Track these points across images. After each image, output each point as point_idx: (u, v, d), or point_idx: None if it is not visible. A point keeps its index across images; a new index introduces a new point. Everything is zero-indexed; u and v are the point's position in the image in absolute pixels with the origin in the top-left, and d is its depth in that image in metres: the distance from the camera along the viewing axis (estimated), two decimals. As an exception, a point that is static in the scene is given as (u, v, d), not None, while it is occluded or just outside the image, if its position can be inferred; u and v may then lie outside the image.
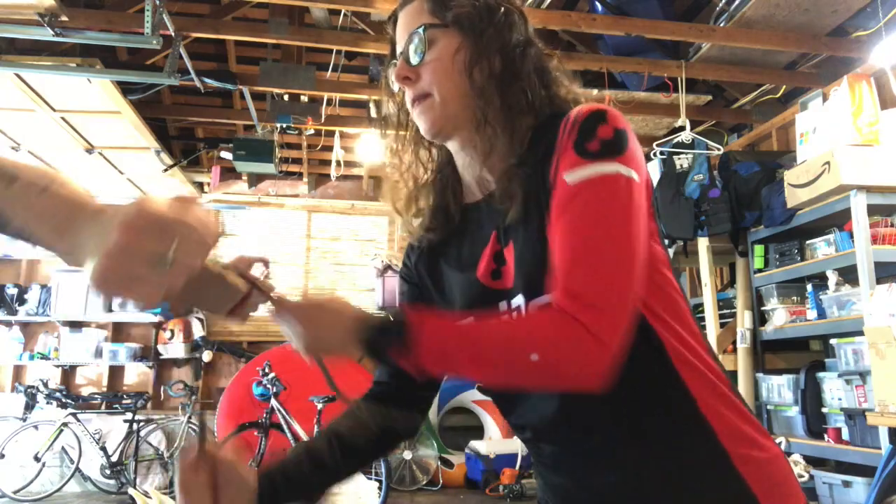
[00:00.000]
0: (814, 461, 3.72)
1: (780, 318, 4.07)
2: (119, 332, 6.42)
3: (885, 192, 3.46)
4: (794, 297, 4.13)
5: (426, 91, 0.92)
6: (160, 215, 0.58)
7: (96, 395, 5.94)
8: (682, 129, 4.54)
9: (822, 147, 3.68)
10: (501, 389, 0.95)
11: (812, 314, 3.87)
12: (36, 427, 5.50)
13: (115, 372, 6.35)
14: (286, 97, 5.16)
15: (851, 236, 3.54)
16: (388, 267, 6.53)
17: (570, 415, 0.87)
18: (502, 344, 0.77)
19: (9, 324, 6.17)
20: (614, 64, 4.48)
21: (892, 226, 3.54)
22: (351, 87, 4.94)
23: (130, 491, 4.09)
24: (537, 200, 0.86)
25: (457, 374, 0.80)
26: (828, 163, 3.51)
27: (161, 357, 6.27)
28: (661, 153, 4.53)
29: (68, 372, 6.28)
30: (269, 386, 5.16)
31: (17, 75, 3.75)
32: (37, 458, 5.34)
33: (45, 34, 3.47)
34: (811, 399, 3.77)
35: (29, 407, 5.74)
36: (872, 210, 3.46)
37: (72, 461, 5.51)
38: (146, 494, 3.51)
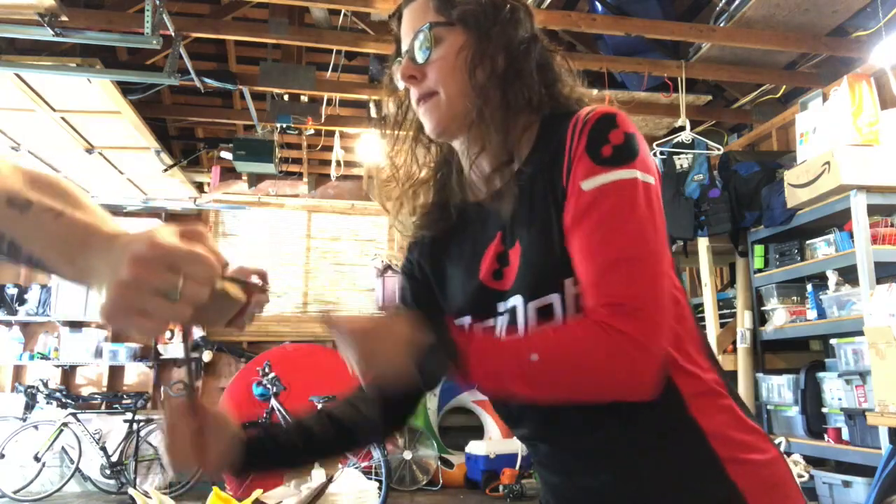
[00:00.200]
0: (814, 461, 3.72)
1: (780, 318, 4.07)
2: (119, 332, 6.42)
3: (885, 192, 3.46)
4: (794, 297, 4.13)
5: (432, 90, 0.92)
6: (169, 250, 0.60)
7: (96, 395, 5.94)
8: (682, 129, 4.54)
9: (822, 147, 3.68)
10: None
11: (812, 314, 3.87)
12: (36, 427, 5.50)
13: (115, 372, 6.36)
14: (286, 97, 5.17)
15: (851, 236, 3.54)
16: (388, 267, 6.53)
17: (561, 415, 0.87)
18: (556, 363, 0.77)
19: (9, 324, 6.17)
20: (614, 64, 4.48)
21: (892, 226, 3.54)
22: (351, 87, 4.94)
23: (130, 491, 4.08)
24: (544, 203, 0.85)
25: (506, 392, 0.80)
26: (828, 163, 3.51)
27: (161, 357, 6.27)
28: (661, 153, 4.53)
29: (68, 372, 6.28)
30: (269, 386, 5.16)
31: (17, 75, 3.75)
32: (37, 458, 5.35)
33: (45, 34, 3.47)
34: (811, 399, 3.77)
35: (29, 407, 5.74)
36: (872, 210, 3.46)
37: (72, 461, 5.51)
38: (146, 494, 3.51)
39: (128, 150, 5.11)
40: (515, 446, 5.67)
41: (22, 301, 6.18)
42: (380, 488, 4.67)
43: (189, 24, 4.11)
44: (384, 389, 0.95)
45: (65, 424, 5.43)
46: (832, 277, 3.67)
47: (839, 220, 3.70)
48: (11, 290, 6.17)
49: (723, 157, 4.60)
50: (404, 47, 0.94)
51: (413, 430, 5.96)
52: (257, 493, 3.54)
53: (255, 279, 0.81)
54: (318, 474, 3.71)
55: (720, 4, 4.00)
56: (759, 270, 4.32)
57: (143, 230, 0.61)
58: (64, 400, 5.58)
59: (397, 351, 0.79)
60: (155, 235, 0.60)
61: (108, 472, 5.47)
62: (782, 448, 3.63)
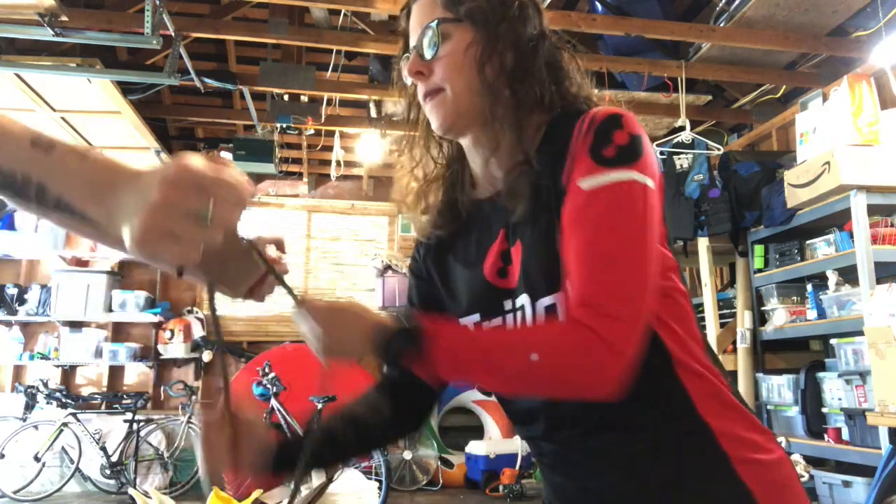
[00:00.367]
0: (814, 461, 3.72)
1: (780, 318, 4.07)
2: (119, 332, 6.42)
3: (885, 192, 3.46)
4: (794, 297, 4.13)
5: (439, 86, 0.91)
6: (198, 174, 0.60)
7: (96, 395, 5.94)
8: (682, 129, 4.54)
9: (822, 147, 3.68)
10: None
11: (812, 314, 3.87)
12: (36, 427, 5.50)
13: (115, 372, 6.35)
14: (286, 97, 5.17)
15: (851, 236, 3.54)
16: (388, 267, 6.53)
17: (568, 415, 0.87)
18: (516, 353, 0.77)
19: (9, 324, 6.17)
20: (614, 64, 4.48)
21: (892, 226, 3.54)
22: (351, 87, 4.94)
23: (130, 491, 4.09)
24: (547, 201, 0.85)
25: (470, 382, 0.81)
26: (828, 163, 3.51)
27: (161, 357, 6.27)
28: (661, 153, 4.53)
29: (68, 372, 6.27)
30: (269, 386, 5.16)
31: (17, 75, 3.75)
32: (37, 458, 5.34)
33: (45, 34, 3.47)
34: (811, 399, 3.77)
35: (29, 407, 5.74)
36: (872, 210, 3.46)
37: (72, 461, 5.51)
38: (146, 494, 3.50)
39: (128, 150, 5.11)
40: (515, 446, 5.67)
41: (22, 301, 6.18)
42: (380, 488, 4.67)
43: (189, 24, 4.11)
44: (403, 382, 0.98)
45: (65, 424, 5.43)
46: (832, 277, 3.67)
47: (839, 220, 3.70)
48: (11, 290, 6.17)
49: (723, 157, 4.60)
50: (412, 43, 0.94)
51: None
52: (257, 493, 3.54)
53: (272, 250, 0.82)
54: (318, 474, 3.71)
55: (720, 4, 4.00)
56: (759, 270, 4.32)
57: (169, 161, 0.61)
58: (64, 400, 5.58)
59: (359, 330, 0.81)
60: (183, 162, 0.60)
61: (108, 472, 5.47)
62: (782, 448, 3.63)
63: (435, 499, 5.63)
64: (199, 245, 0.60)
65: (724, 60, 4.41)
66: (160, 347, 6.25)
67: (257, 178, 6.88)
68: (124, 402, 5.70)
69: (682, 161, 4.52)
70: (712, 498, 0.81)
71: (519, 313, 0.88)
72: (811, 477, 3.58)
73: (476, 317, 0.94)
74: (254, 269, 0.76)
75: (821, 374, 3.74)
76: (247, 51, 5.31)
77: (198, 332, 6.32)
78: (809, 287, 3.93)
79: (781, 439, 3.83)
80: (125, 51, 4.95)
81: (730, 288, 5.00)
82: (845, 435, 3.49)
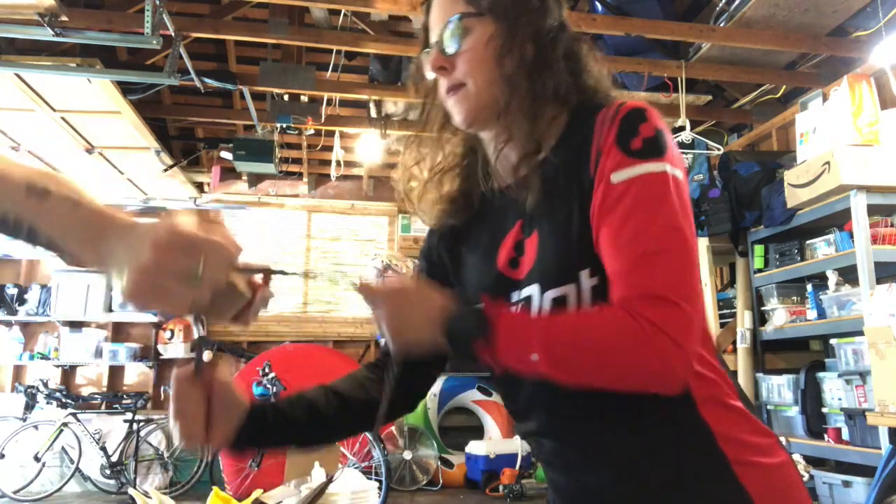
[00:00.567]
0: (814, 461, 3.72)
1: (780, 318, 4.07)
2: (119, 332, 6.42)
3: (885, 192, 3.46)
4: (794, 297, 4.13)
5: (461, 81, 0.92)
6: (189, 235, 0.62)
7: (96, 395, 5.94)
8: (682, 129, 4.53)
9: (822, 147, 3.68)
10: (506, 379, 0.93)
11: (812, 314, 3.87)
12: (36, 427, 5.50)
13: (115, 372, 6.35)
14: (286, 97, 5.16)
15: (851, 236, 3.54)
16: (388, 267, 6.53)
17: (569, 411, 0.87)
18: (581, 345, 0.77)
19: (9, 324, 6.17)
20: (614, 64, 4.47)
21: (892, 226, 3.54)
22: (351, 87, 4.94)
23: (130, 491, 4.08)
24: (566, 194, 0.85)
25: (532, 370, 0.78)
26: (828, 163, 3.51)
27: (161, 357, 6.27)
28: (661, 153, 4.52)
29: (68, 372, 6.28)
30: (269, 386, 5.15)
31: (17, 75, 3.75)
32: (37, 458, 5.34)
33: (45, 34, 3.47)
34: (811, 399, 3.77)
35: (29, 407, 5.74)
36: (872, 210, 3.46)
37: (72, 461, 5.51)
38: (146, 494, 3.50)
39: (128, 150, 5.11)
40: (515, 446, 5.67)
41: (22, 301, 6.18)
42: (380, 488, 4.66)
43: (189, 24, 4.10)
44: (409, 358, 0.95)
45: (65, 424, 5.43)
46: (832, 277, 3.67)
47: (839, 220, 3.70)
48: (11, 290, 6.17)
49: (723, 157, 4.60)
50: (433, 38, 0.94)
51: (413, 430, 5.97)
52: (257, 493, 3.54)
53: (258, 278, 0.82)
54: (318, 474, 3.71)
55: (720, 4, 4.00)
56: (759, 270, 4.32)
57: (161, 219, 0.64)
58: (64, 400, 5.58)
59: (428, 316, 0.80)
60: (174, 221, 0.62)
61: (108, 472, 5.47)
62: (782, 448, 3.63)
63: (435, 499, 5.63)
64: (189, 302, 0.63)
65: (724, 60, 4.41)
66: (160, 347, 6.25)
67: (257, 178, 6.88)
68: (124, 402, 5.70)
69: (682, 161, 4.52)
70: (709, 498, 0.81)
71: (522, 304, 0.88)
72: (811, 477, 3.58)
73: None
74: (237, 300, 0.76)
75: (821, 374, 3.74)
76: (247, 51, 5.30)
77: (198, 331, 6.31)
78: (809, 287, 3.93)
79: (781, 439, 3.83)
80: (125, 51, 4.95)
81: (730, 288, 5.00)
82: (845, 435, 3.49)
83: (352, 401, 0.99)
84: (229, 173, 6.59)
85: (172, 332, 6.20)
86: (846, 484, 3.38)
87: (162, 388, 6.25)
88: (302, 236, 7.00)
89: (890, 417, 2.96)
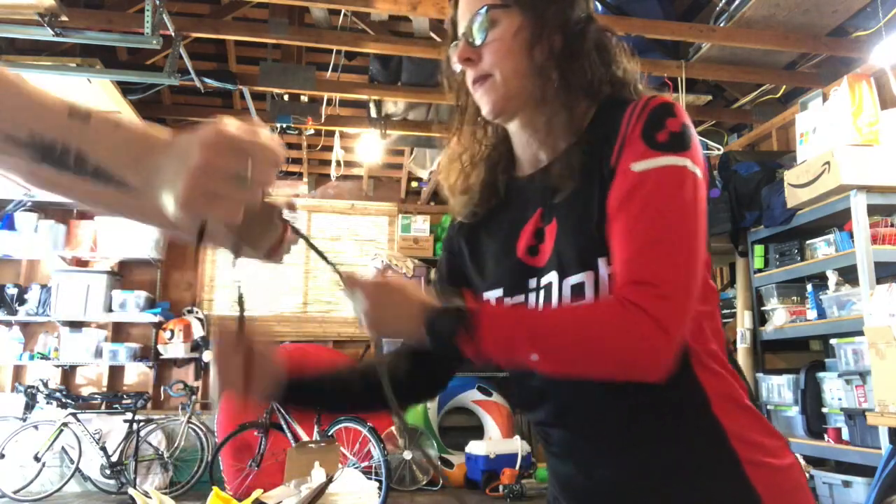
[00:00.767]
0: (814, 461, 3.72)
1: (780, 318, 4.07)
2: (119, 332, 6.42)
3: (885, 192, 3.46)
4: (794, 297, 4.13)
5: (487, 72, 0.92)
6: (235, 136, 0.62)
7: (96, 395, 5.94)
8: (682, 129, 4.53)
9: (822, 147, 3.68)
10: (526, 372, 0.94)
11: (812, 314, 3.87)
12: (36, 427, 5.50)
13: (115, 372, 6.35)
14: (286, 97, 5.17)
15: (851, 236, 3.54)
16: (388, 267, 6.53)
17: (580, 400, 0.87)
18: (566, 332, 0.77)
19: (9, 324, 6.16)
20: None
21: (892, 226, 3.54)
22: (351, 87, 4.94)
23: (130, 491, 4.08)
24: (588, 182, 0.86)
25: (518, 361, 0.79)
26: (828, 163, 3.51)
27: (161, 357, 6.27)
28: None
29: (68, 372, 6.27)
30: (269, 386, 5.15)
31: (18, 75, 3.75)
32: (37, 458, 5.34)
33: (45, 34, 3.48)
34: (811, 399, 3.77)
35: (29, 407, 5.73)
36: (872, 210, 3.46)
37: (72, 461, 5.51)
38: (146, 494, 3.50)
39: (128, 150, 5.10)
40: (515, 446, 5.67)
41: (22, 301, 6.17)
42: (380, 488, 4.66)
43: (189, 24, 4.11)
44: (417, 353, 0.99)
45: (65, 424, 5.43)
46: (832, 277, 3.67)
47: (839, 220, 3.70)
48: (11, 290, 6.17)
49: (723, 157, 4.60)
50: (460, 30, 0.95)
51: (413, 430, 5.97)
52: (257, 492, 3.54)
53: (286, 212, 0.83)
54: (318, 474, 3.71)
55: (720, 4, 4.00)
56: (759, 270, 4.32)
57: (205, 125, 0.63)
58: (64, 400, 5.58)
59: (409, 310, 0.81)
60: (219, 125, 0.62)
61: (108, 472, 5.47)
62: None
63: (435, 499, 5.63)
64: (241, 205, 0.63)
65: (724, 60, 4.41)
66: (160, 347, 6.25)
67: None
68: (124, 402, 5.70)
69: (682, 161, 4.51)
70: (718, 494, 0.82)
71: (542, 292, 0.89)
72: (811, 477, 3.58)
73: (499, 291, 0.95)
74: (273, 230, 0.79)
75: (821, 374, 3.74)
76: (247, 51, 5.30)
77: (198, 332, 6.31)
78: (809, 287, 3.93)
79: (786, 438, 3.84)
80: (125, 51, 4.95)
81: (730, 288, 5.00)
82: (845, 435, 3.49)
83: (371, 385, 1.01)
84: (229, 173, 6.59)
85: (172, 332, 6.19)
86: (846, 484, 3.38)
87: (162, 388, 6.25)
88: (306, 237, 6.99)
89: (890, 417, 2.95)
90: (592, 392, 0.84)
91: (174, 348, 6.20)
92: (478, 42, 0.92)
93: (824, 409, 3.71)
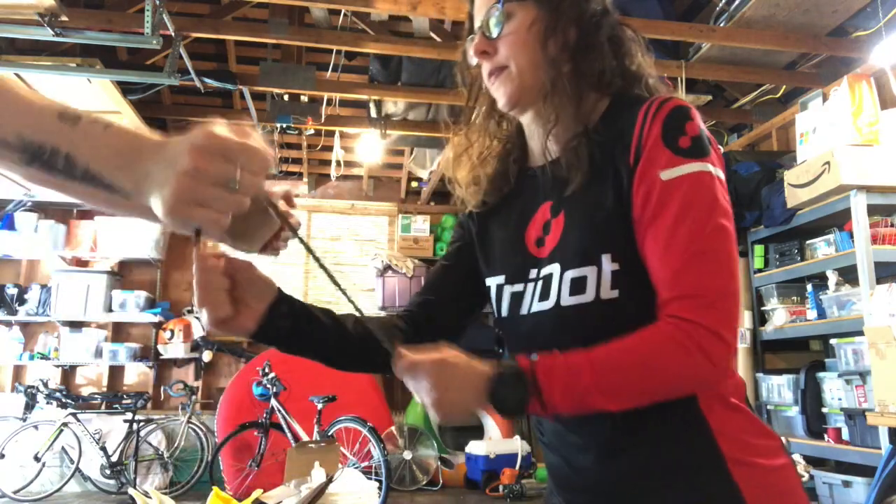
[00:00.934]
0: (814, 461, 3.72)
1: (780, 318, 4.07)
2: (119, 332, 6.42)
3: (885, 192, 3.46)
4: (794, 297, 4.13)
5: (503, 64, 0.93)
6: (225, 141, 0.61)
7: (96, 395, 5.94)
8: (682, 129, 4.53)
9: (822, 147, 3.68)
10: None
11: (812, 314, 3.87)
12: (36, 427, 5.49)
13: (115, 372, 6.35)
14: (286, 97, 5.16)
15: (851, 236, 3.54)
16: (388, 267, 6.52)
17: None
18: (633, 370, 0.77)
19: (9, 324, 6.16)
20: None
21: (892, 226, 3.54)
22: (351, 87, 4.94)
23: (130, 491, 4.08)
24: (599, 178, 0.86)
25: (588, 409, 0.78)
26: (828, 163, 3.51)
27: (161, 357, 6.27)
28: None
29: (68, 372, 6.27)
30: (269, 386, 5.16)
31: (17, 75, 3.75)
32: (37, 458, 5.34)
33: (45, 34, 3.47)
34: (811, 399, 3.77)
35: (29, 407, 5.73)
36: (872, 210, 3.46)
37: (72, 461, 5.51)
38: (146, 494, 3.50)
39: (128, 150, 5.10)
40: (515, 446, 5.67)
41: (22, 301, 6.17)
42: (380, 488, 4.66)
43: (189, 24, 4.10)
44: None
45: (65, 424, 5.42)
46: (832, 277, 3.67)
47: (839, 220, 3.70)
48: (11, 290, 6.17)
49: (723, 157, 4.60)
50: (477, 24, 0.96)
51: (413, 430, 5.96)
52: (257, 493, 3.54)
53: (282, 204, 0.83)
54: (318, 474, 3.71)
55: (720, 4, 4.00)
56: (759, 270, 4.32)
57: (194, 129, 0.63)
58: (64, 400, 5.58)
59: (472, 385, 0.78)
60: (209, 129, 0.62)
61: (108, 472, 5.47)
62: (782, 448, 3.63)
63: (435, 499, 5.63)
64: (229, 210, 0.62)
65: (724, 60, 4.41)
66: (160, 347, 6.25)
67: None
68: (124, 402, 5.70)
69: (682, 161, 4.52)
70: (699, 490, 0.82)
71: (540, 283, 0.90)
72: (811, 477, 3.58)
73: (501, 279, 0.97)
74: (269, 225, 0.79)
75: (821, 374, 3.74)
76: (247, 51, 5.30)
77: (198, 332, 6.31)
78: (809, 287, 3.93)
79: (782, 439, 3.84)
80: (125, 51, 4.94)
81: (730, 288, 4.99)
82: (845, 435, 3.49)
83: (374, 339, 0.97)
84: (229, 173, 6.59)
85: (172, 332, 6.19)
86: (846, 484, 3.38)
87: (162, 388, 6.25)
88: (302, 236, 6.99)
89: (890, 417, 2.95)
90: None
91: (174, 348, 6.20)
92: (494, 35, 0.93)
93: (824, 409, 3.71)
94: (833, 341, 3.58)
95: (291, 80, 4.60)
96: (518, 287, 0.94)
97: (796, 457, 3.66)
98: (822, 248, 3.84)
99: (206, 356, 6.25)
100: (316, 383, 5.15)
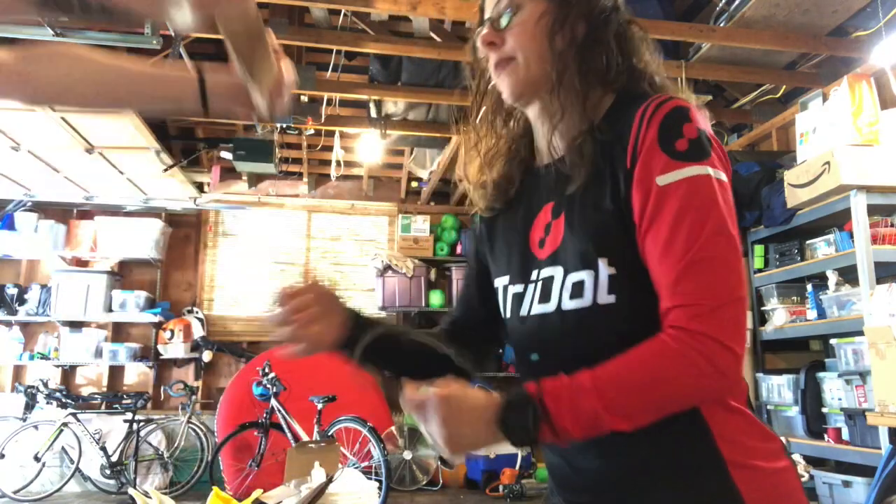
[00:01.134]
0: (814, 461, 3.72)
1: (780, 318, 4.07)
2: (119, 332, 6.42)
3: (885, 192, 3.46)
4: (794, 297, 4.13)
5: (510, 55, 0.93)
6: None
7: (96, 395, 5.94)
8: (682, 129, 4.53)
9: (822, 147, 3.68)
10: (519, 361, 0.97)
11: (812, 314, 3.87)
12: (36, 427, 5.50)
13: (115, 372, 6.35)
14: (286, 97, 5.16)
15: (851, 236, 3.54)
16: (388, 267, 6.52)
17: None
18: (641, 388, 0.77)
19: (9, 324, 6.17)
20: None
21: (892, 226, 3.54)
22: (351, 87, 4.94)
23: (130, 491, 4.08)
24: (598, 180, 0.86)
25: (602, 430, 0.77)
26: (828, 163, 3.51)
27: (161, 357, 6.27)
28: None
29: (68, 372, 6.27)
30: (269, 386, 5.16)
31: (17, 75, 3.75)
32: (37, 458, 5.34)
33: (45, 34, 3.47)
34: (811, 399, 3.77)
35: (29, 407, 5.74)
36: (872, 210, 3.46)
37: (72, 461, 5.51)
38: (146, 494, 3.50)
39: (128, 150, 5.10)
40: (515, 446, 5.66)
41: (22, 301, 6.18)
42: (380, 488, 4.66)
43: (189, 24, 4.10)
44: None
45: (65, 424, 5.43)
46: (832, 277, 3.67)
47: (839, 220, 3.70)
48: (11, 290, 6.17)
49: (723, 157, 4.59)
50: (486, 15, 0.96)
51: (413, 430, 5.97)
52: (257, 493, 3.53)
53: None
54: (318, 474, 3.70)
55: (720, 4, 4.00)
56: (759, 270, 4.32)
57: None
58: (64, 400, 5.58)
59: (481, 418, 0.77)
60: None
61: (108, 472, 5.47)
62: (782, 448, 3.63)
63: (435, 499, 5.63)
64: None
65: (724, 60, 4.41)
66: (160, 347, 6.25)
67: (257, 178, 6.88)
68: (124, 402, 5.70)
69: (682, 161, 4.52)
70: (698, 493, 0.81)
71: (540, 284, 0.90)
72: (811, 477, 3.58)
73: (506, 279, 0.97)
74: (270, 64, 0.86)
75: (821, 374, 3.74)
76: (247, 51, 5.29)
77: (198, 332, 6.31)
78: (809, 287, 3.93)
79: (782, 439, 3.83)
80: (125, 51, 4.94)
81: (730, 288, 4.99)
82: (845, 435, 3.49)
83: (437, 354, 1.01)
84: (229, 173, 6.60)
85: (172, 332, 6.20)
86: (846, 484, 3.38)
87: (162, 388, 6.25)
88: (302, 236, 7.00)
89: (890, 417, 2.95)
90: None
91: (174, 348, 6.20)
92: (502, 25, 0.93)
93: (824, 409, 3.71)
94: (833, 341, 3.58)
95: (291, 80, 4.59)
96: (519, 288, 0.94)
97: (796, 457, 3.66)
98: (822, 248, 3.84)
99: (206, 356, 6.26)
100: (316, 383, 5.15)
